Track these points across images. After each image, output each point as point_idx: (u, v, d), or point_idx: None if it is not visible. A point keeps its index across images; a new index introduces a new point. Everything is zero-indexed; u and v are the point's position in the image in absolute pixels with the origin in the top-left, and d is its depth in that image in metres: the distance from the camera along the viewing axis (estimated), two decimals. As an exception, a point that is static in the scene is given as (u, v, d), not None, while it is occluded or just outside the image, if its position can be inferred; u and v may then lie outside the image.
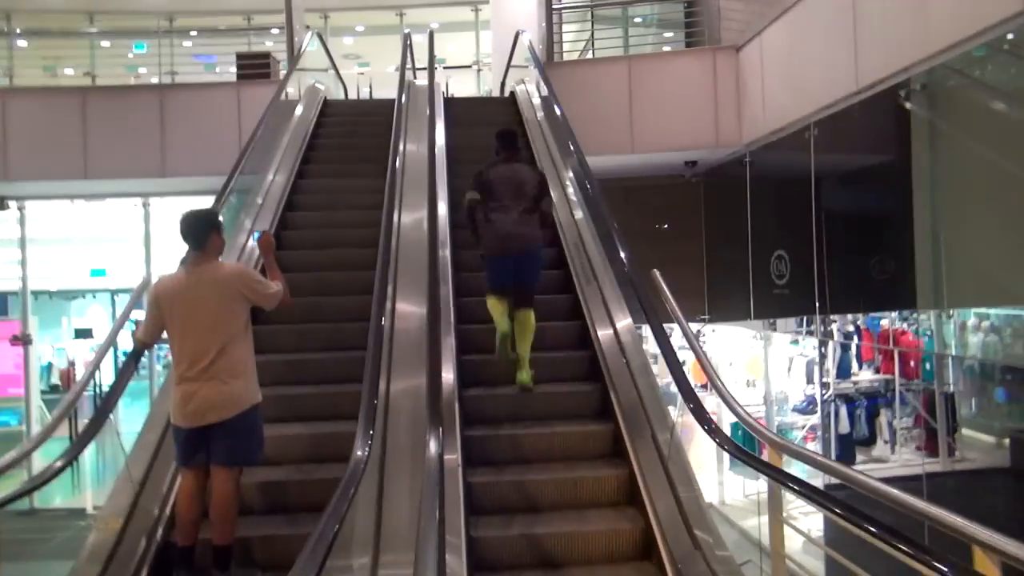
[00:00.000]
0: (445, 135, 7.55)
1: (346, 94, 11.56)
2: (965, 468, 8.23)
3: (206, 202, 5.23)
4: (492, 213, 4.74)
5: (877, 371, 10.98)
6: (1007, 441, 8.52)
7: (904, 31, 5.79)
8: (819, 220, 7.47)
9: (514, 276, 4.77)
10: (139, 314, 4.36)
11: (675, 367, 3.93)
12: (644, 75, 9.33)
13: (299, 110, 8.78)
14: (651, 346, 7.61)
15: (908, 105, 5.96)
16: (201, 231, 3.57)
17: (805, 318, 10.24)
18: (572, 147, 6.56)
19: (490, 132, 5.23)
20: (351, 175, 7.59)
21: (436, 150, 6.55)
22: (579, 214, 6.48)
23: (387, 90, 13.13)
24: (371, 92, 15.68)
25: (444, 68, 16.14)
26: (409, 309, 5.03)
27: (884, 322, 11.69)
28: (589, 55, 11.18)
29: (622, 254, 4.91)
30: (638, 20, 13.07)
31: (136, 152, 9.42)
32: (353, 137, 8.57)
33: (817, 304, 7.55)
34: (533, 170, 5.12)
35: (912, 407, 10.02)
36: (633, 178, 10.13)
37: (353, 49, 18.90)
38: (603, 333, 5.11)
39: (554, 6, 9.83)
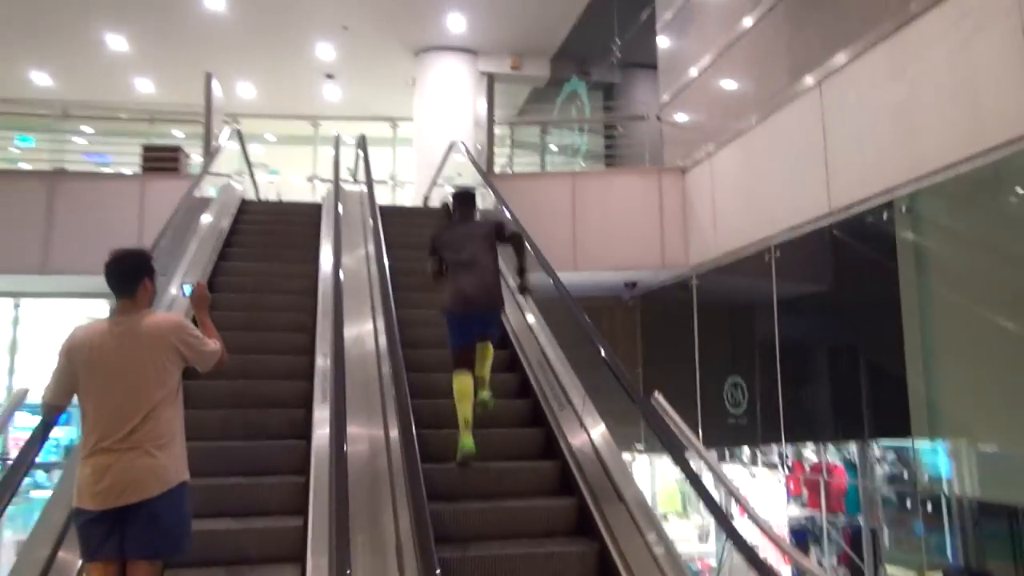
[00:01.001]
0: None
1: (258, 197, 10.73)
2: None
3: (92, 306, 4.21)
4: (452, 272, 4.72)
5: (804, 505, 10.62)
6: None
7: (887, 151, 5.63)
8: (784, 346, 7.10)
9: (477, 330, 4.71)
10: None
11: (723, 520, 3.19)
12: (588, 192, 9.04)
13: (214, 209, 7.88)
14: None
15: (893, 228, 5.73)
16: (130, 274, 3.09)
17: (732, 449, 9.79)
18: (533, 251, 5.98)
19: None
20: (274, 283, 6.74)
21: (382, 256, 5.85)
22: (543, 337, 5.83)
23: (296, 199, 12.50)
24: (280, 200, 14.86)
25: (357, 181, 15.63)
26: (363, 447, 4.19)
27: (810, 454, 11.49)
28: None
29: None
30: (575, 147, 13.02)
31: (12, 244, 8.16)
32: (275, 237, 7.75)
33: (783, 433, 7.06)
34: (484, 223, 5.16)
35: (836, 544, 9.66)
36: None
37: (262, 159, 18.17)
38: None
39: (496, 121, 9.50)
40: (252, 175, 10.41)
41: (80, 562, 3.18)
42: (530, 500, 4.34)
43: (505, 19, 12.76)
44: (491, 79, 9.38)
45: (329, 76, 15.79)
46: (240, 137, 9.70)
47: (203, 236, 7.06)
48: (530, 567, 3.74)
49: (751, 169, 7.59)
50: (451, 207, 5.10)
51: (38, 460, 3.41)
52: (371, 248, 6.90)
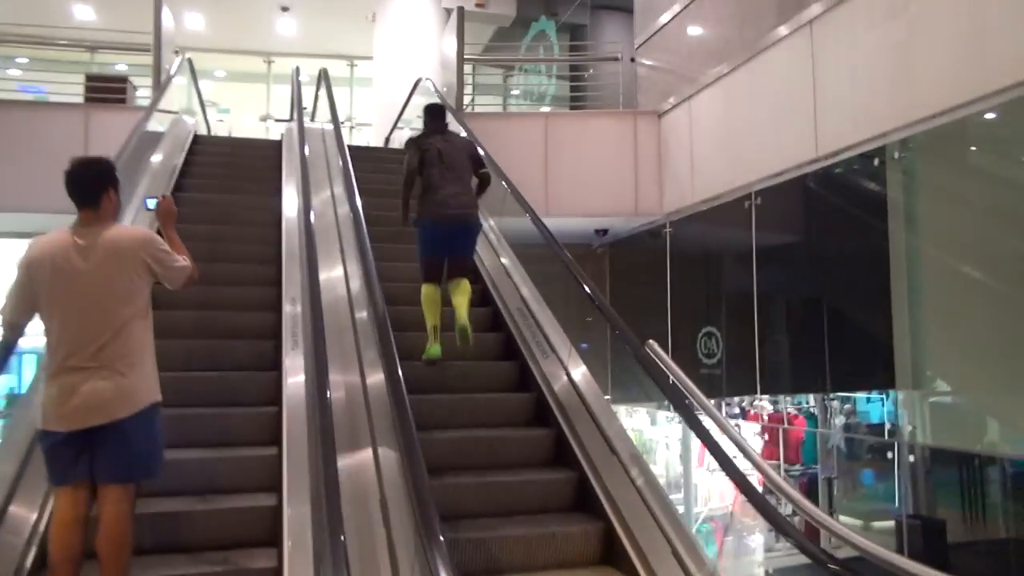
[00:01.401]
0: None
1: (210, 134, 10.14)
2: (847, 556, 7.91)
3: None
4: (431, 180, 4.60)
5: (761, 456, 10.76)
6: (874, 525, 8.36)
7: (882, 94, 5.43)
8: (761, 295, 6.98)
9: (450, 246, 4.65)
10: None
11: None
12: (561, 135, 8.70)
13: (166, 144, 7.35)
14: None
15: (883, 174, 5.57)
16: (94, 183, 2.93)
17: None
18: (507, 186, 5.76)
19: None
20: (236, 215, 6.34)
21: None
22: (526, 291, 5.57)
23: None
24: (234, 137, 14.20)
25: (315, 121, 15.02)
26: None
27: (766, 404, 11.61)
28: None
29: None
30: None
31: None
32: (234, 171, 7.30)
33: (759, 384, 6.98)
34: (463, 139, 5.06)
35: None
36: (538, 245, 9.36)
37: (211, 97, 17.30)
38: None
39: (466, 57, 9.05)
40: (204, 111, 9.81)
41: (47, 486, 3.00)
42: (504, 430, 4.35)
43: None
44: (461, 10, 8.91)
45: (284, 8, 15.00)
46: (191, 69, 9.08)
47: (155, 172, 6.57)
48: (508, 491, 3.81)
49: (733, 113, 7.35)
50: (424, 119, 4.96)
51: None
52: (338, 189, 6.51)
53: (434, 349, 4.47)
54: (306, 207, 4.97)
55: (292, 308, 4.67)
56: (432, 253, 4.62)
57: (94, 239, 2.85)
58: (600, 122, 8.95)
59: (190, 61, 9.03)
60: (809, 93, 6.20)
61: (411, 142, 4.78)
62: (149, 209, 3.63)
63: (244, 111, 17.05)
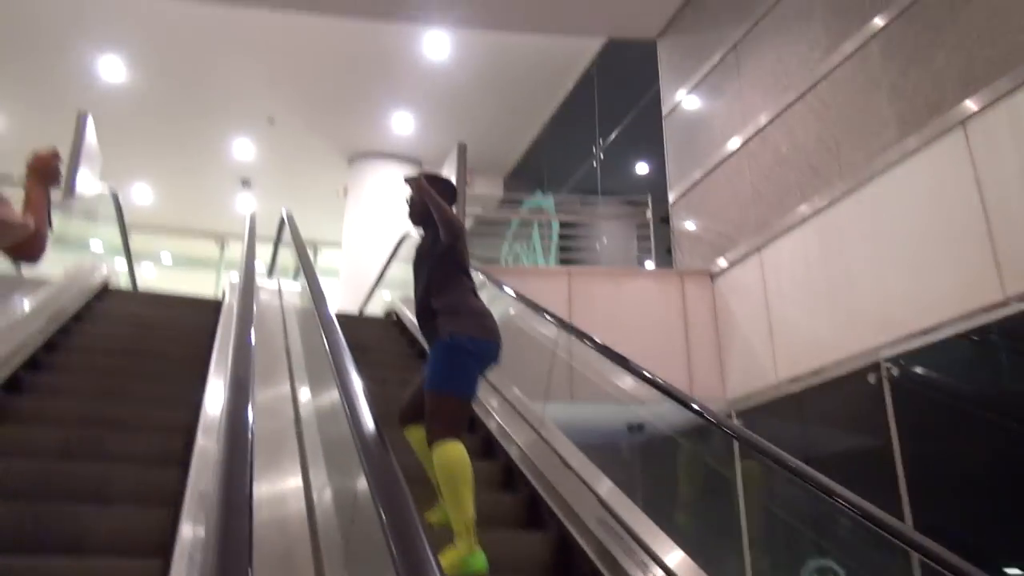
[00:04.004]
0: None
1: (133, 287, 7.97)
2: None
3: None
4: (471, 290, 3.16)
5: None
6: None
7: None
8: (918, 505, 4.70)
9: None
10: None
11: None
12: (588, 298, 6.74)
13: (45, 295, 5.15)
14: None
15: None
16: None
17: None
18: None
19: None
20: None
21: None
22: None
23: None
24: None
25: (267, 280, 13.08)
26: None
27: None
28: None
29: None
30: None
31: None
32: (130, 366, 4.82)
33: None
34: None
35: None
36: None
37: (155, 283, 15.34)
38: None
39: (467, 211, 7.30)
40: (130, 260, 7.70)
41: None
42: None
43: (456, 126, 11.02)
44: (463, 146, 7.27)
45: (245, 183, 13.51)
46: (117, 205, 7.12)
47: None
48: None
49: (835, 258, 5.50)
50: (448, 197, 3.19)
51: None
52: (302, 374, 4.24)
53: (477, 559, 2.57)
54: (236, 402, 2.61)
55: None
56: (472, 391, 2.94)
57: None
58: (636, 284, 7.04)
59: (115, 196, 7.09)
60: (975, 215, 4.40)
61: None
62: None
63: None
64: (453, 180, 4.75)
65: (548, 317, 4.89)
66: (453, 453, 2.70)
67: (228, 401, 2.19)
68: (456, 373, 2.87)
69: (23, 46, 9.46)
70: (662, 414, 7.28)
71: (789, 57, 6.21)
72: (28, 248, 2.27)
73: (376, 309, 8.42)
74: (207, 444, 3.11)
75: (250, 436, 1.92)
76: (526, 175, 12.89)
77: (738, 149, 6.72)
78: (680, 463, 7.04)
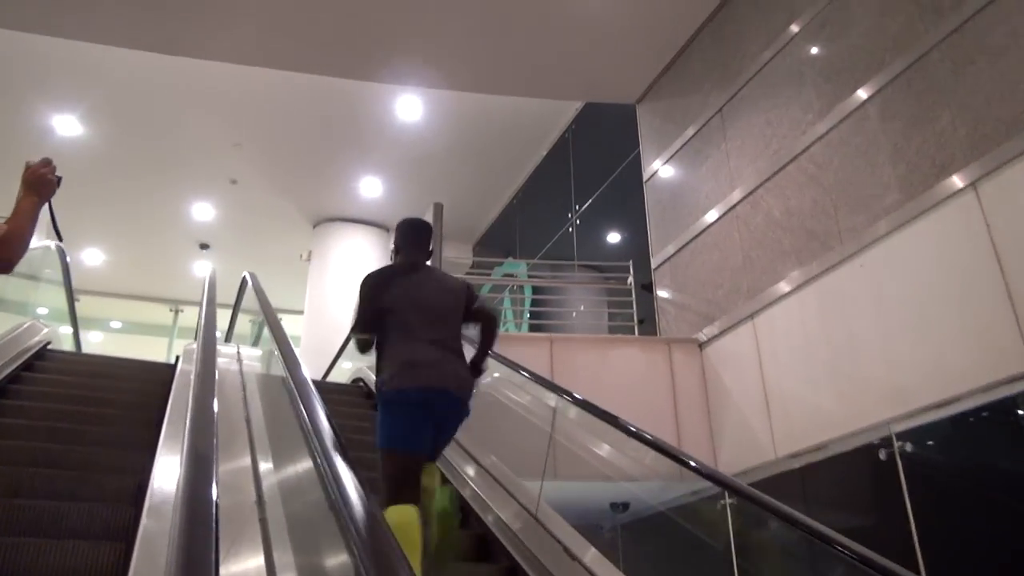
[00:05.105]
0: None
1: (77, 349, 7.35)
2: None
3: None
4: (405, 332, 3.09)
5: None
6: None
7: None
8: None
9: (437, 431, 3.07)
10: None
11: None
12: (571, 366, 6.36)
13: None
14: None
15: None
16: None
17: None
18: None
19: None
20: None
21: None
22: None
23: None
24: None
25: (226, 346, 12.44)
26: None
27: None
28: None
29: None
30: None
31: None
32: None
33: None
34: (455, 278, 3.48)
35: None
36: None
37: (101, 347, 14.53)
38: None
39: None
40: (75, 322, 7.12)
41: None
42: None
43: (425, 191, 10.74)
44: (440, 205, 6.94)
45: (203, 246, 13.00)
46: (63, 260, 6.60)
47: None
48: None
49: (836, 324, 5.23)
50: (398, 243, 3.42)
51: None
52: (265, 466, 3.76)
53: None
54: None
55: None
56: (410, 445, 2.95)
57: None
58: (621, 352, 6.69)
59: (61, 250, 6.57)
60: (989, 275, 4.17)
61: (368, 288, 3.24)
62: None
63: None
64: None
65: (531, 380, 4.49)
66: (399, 517, 2.66)
67: (187, 476, 1.78)
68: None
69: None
70: (651, 489, 6.88)
71: (779, 120, 6.07)
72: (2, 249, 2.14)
73: (340, 377, 7.93)
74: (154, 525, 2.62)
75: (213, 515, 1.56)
76: (496, 242, 12.64)
77: (726, 213, 6.51)
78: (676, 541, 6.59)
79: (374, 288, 3.20)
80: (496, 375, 5.35)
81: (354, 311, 3.22)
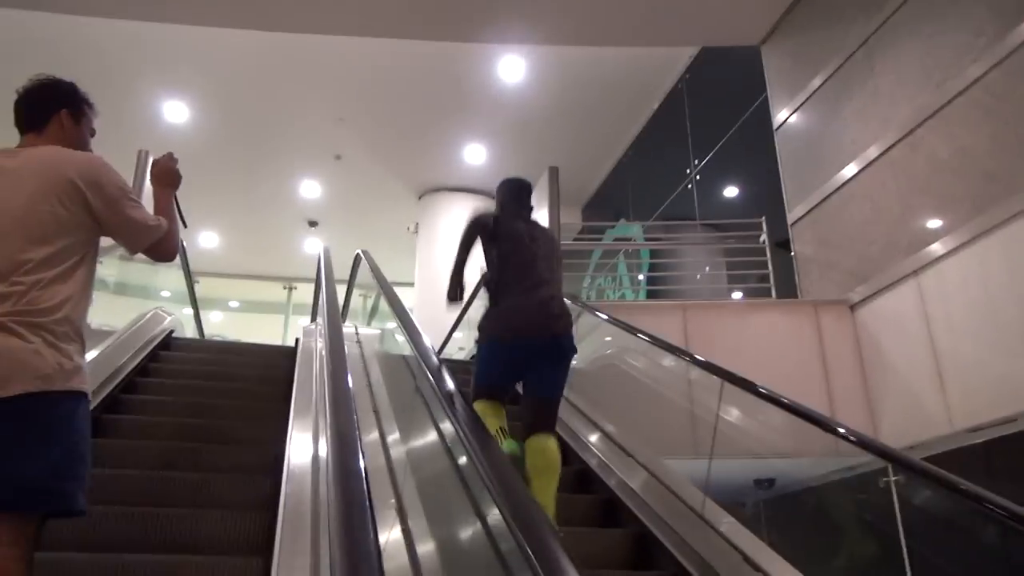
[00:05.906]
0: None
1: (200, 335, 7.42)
2: None
3: None
4: (511, 279, 3.25)
5: None
6: None
7: None
8: None
9: (536, 374, 3.16)
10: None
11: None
12: (707, 334, 5.88)
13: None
14: None
15: None
16: (40, 103, 2.14)
17: None
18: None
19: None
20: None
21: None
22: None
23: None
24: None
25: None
26: None
27: None
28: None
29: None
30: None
31: None
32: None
33: None
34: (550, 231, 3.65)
35: None
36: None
37: (219, 329, 14.96)
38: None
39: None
40: (196, 308, 7.17)
41: None
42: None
43: (530, 155, 10.31)
44: (555, 169, 6.56)
45: (312, 224, 13.07)
46: (183, 255, 6.64)
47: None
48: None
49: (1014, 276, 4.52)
50: (501, 202, 3.56)
51: None
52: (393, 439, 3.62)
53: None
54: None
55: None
56: (503, 379, 3.23)
57: (25, 158, 2.01)
58: (763, 318, 6.13)
59: (182, 243, 6.58)
60: None
61: (487, 222, 3.41)
62: None
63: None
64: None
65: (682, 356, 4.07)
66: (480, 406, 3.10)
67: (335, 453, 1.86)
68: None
69: (86, 87, 9.18)
70: (800, 465, 6.37)
71: (942, 47, 5.30)
72: (163, 247, 2.27)
73: (454, 350, 7.71)
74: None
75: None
76: (605, 204, 12.12)
77: (877, 158, 5.80)
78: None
79: (489, 225, 3.39)
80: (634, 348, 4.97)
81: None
